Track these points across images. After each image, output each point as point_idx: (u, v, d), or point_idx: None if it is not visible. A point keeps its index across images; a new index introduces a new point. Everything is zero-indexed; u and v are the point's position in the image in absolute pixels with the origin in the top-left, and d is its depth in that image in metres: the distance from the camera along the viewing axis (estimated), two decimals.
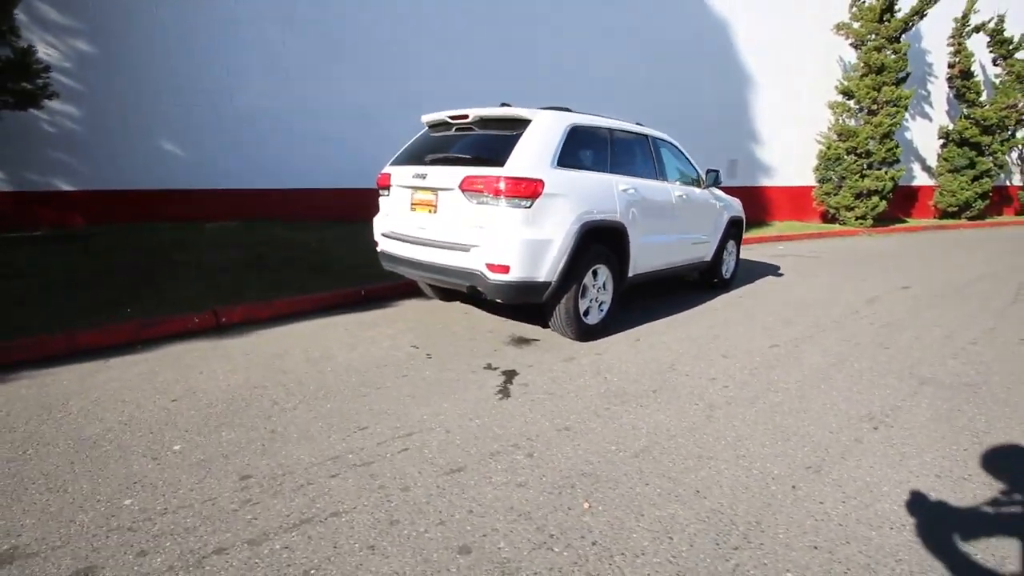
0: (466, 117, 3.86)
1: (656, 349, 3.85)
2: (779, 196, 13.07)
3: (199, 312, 4.04)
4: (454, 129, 4.03)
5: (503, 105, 3.91)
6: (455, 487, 2.09)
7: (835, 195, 12.47)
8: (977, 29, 13.43)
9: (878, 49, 11.61)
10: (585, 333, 3.92)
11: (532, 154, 3.47)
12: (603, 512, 1.96)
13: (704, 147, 11.65)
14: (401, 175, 4.03)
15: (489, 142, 3.73)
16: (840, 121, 12.31)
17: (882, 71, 11.62)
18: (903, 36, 11.69)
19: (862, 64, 11.87)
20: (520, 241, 3.37)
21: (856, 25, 11.88)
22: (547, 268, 3.49)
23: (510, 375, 3.26)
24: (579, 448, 2.42)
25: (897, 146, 11.97)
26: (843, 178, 12.29)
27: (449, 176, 3.62)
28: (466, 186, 3.48)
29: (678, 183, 5.00)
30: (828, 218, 13.06)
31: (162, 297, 4.35)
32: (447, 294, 4.97)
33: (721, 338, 4.18)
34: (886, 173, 11.92)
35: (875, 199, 12.08)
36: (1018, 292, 6.19)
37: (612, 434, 2.56)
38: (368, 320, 4.37)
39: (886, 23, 11.53)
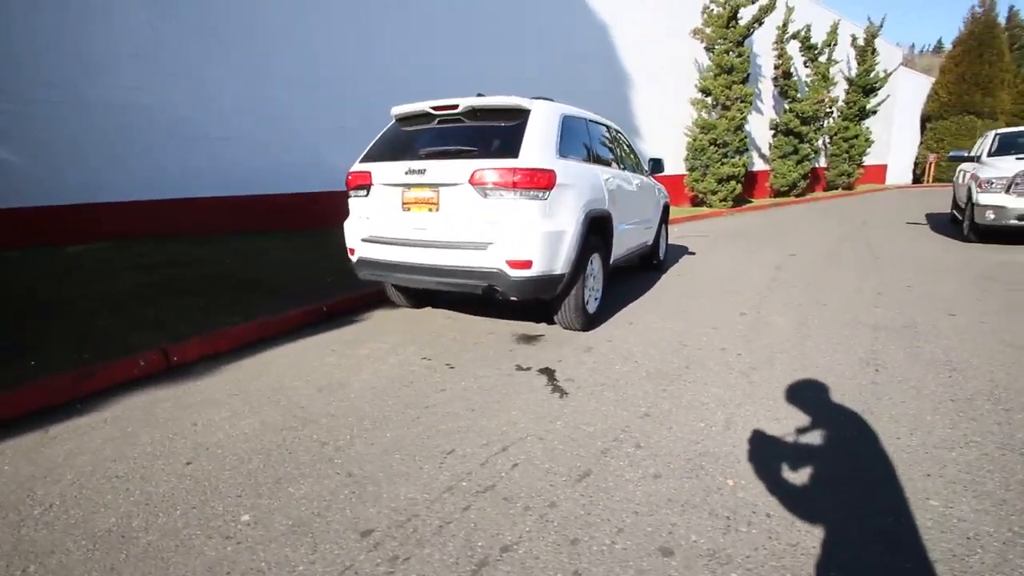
0: (454, 107, 3.62)
1: (653, 330, 4.02)
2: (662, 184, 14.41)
3: (137, 352, 3.26)
4: (436, 121, 3.76)
5: (479, 95, 3.75)
6: (598, 492, 1.98)
7: (702, 181, 14.12)
8: (794, 36, 16.14)
9: (727, 52, 13.37)
10: (589, 323, 3.95)
11: (541, 144, 3.38)
12: (749, 486, 2.01)
13: None
14: (386, 172, 3.65)
15: (488, 133, 3.55)
16: (701, 116, 13.95)
17: (731, 71, 13.41)
18: (745, 41, 13.58)
19: (715, 65, 13.56)
20: (541, 234, 3.27)
21: (708, 30, 13.54)
22: (563, 260, 3.44)
23: (548, 373, 3.17)
24: (674, 431, 2.45)
25: (745, 137, 13.94)
26: (707, 166, 13.96)
27: (454, 170, 3.37)
28: (477, 180, 3.27)
29: (635, 171, 5.26)
30: (697, 202, 14.74)
31: (69, 341, 3.42)
32: (419, 300, 4.65)
33: (695, 313, 4.51)
34: (739, 160, 13.81)
35: (733, 183, 13.93)
36: (872, 250, 7.62)
37: (689, 413, 2.62)
38: (351, 337, 3.91)
39: (732, 29, 13.31)
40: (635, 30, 12.85)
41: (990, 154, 8.42)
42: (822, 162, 20.33)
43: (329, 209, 7.91)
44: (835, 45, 17.39)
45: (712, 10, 13.58)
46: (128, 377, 3.12)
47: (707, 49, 13.94)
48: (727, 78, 13.47)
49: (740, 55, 13.41)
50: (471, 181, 3.29)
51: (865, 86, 19.72)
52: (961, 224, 8.68)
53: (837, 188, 20.73)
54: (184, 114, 7.41)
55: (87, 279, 5.00)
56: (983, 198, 7.48)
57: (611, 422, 2.53)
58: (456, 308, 4.64)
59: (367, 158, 3.87)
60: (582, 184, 3.68)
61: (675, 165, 14.56)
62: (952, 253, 7.25)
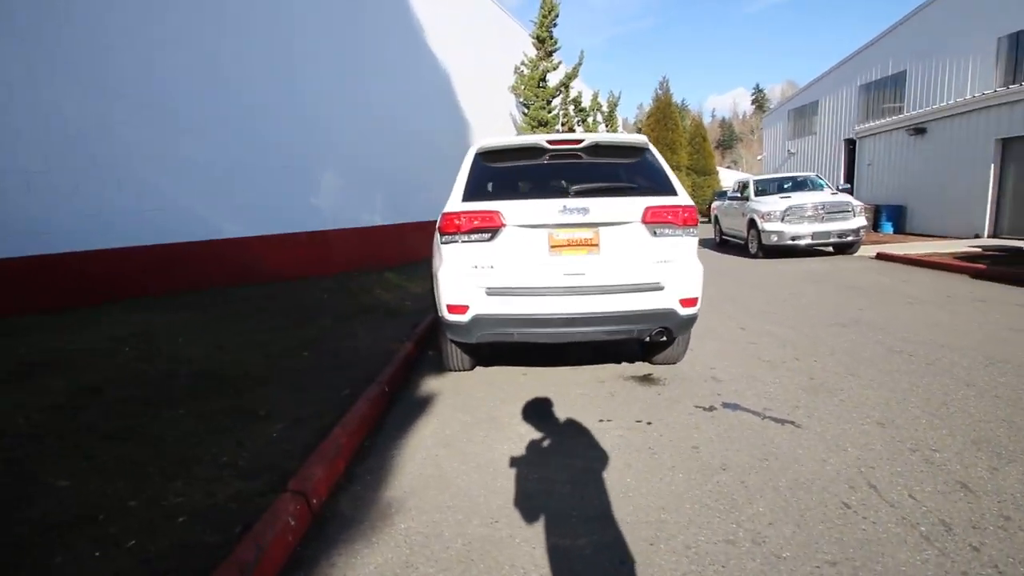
0: (577, 143, 3.37)
1: (696, 349, 4.35)
2: None
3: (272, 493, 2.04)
4: (547, 157, 3.41)
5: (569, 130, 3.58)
6: None
7: None
8: (574, 101, 19.27)
9: (540, 108, 15.20)
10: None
11: (678, 182, 3.41)
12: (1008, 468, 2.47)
13: (446, 181, 12.52)
14: (529, 212, 3.13)
15: (617, 170, 3.40)
16: None
17: (546, 125, 15.27)
18: (554, 100, 15.68)
19: (531, 119, 15.25)
20: (700, 271, 3.30)
21: (523, 88, 15.17)
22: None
23: (732, 406, 3.19)
24: (898, 432, 2.80)
25: None
26: None
27: (622, 208, 3.12)
28: (651, 218, 3.12)
29: None
30: None
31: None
32: (477, 358, 4.01)
33: (710, 330, 5.06)
34: None
35: None
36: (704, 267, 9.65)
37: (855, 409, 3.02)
38: (473, 421, 3.15)
39: (543, 89, 15.22)
40: (471, 85, 13.55)
41: (756, 194, 11.66)
42: None
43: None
44: (597, 110, 21.48)
45: (522, 71, 15.30)
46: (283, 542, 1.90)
47: (524, 104, 15.59)
48: (544, 130, 15.28)
49: (551, 111, 15.40)
50: (644, 219, 3.12)
51: None
52: (742, 245, 11.70)
53: None
54: None
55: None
56: (768, 226, 10.33)
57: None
58: (515, 363, 4.16)
59: (475, 196, 3.24)
60: None
61: None
62: (759, 266, 9.74)
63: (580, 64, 15.73)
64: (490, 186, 3.33)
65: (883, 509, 2.09)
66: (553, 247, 3.14)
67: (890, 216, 15.09)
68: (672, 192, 3.28)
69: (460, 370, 3.97)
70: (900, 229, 14.99)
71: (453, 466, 2.57)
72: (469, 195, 3.25)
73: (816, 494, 2.21)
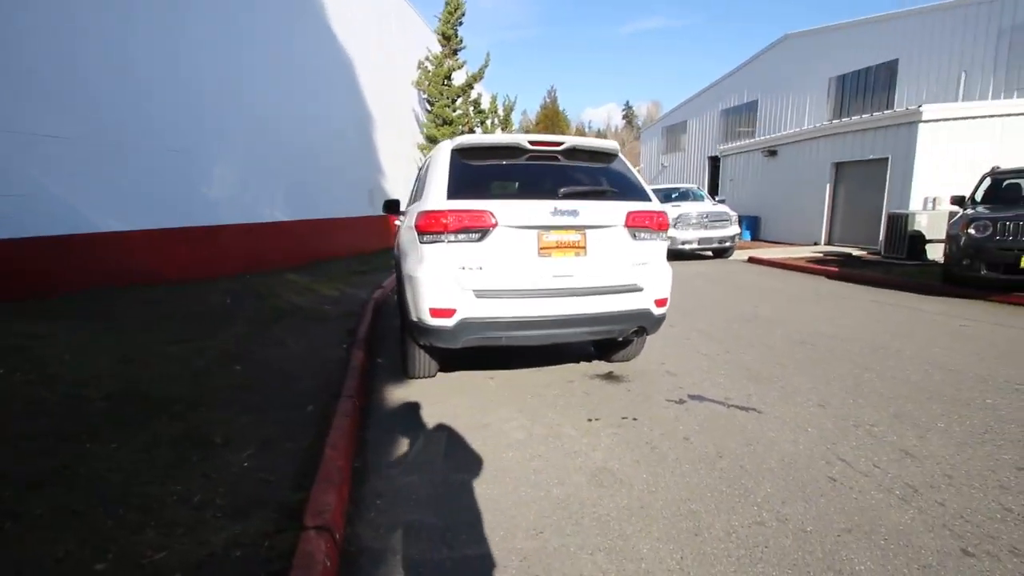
0: (556, 144, 3.38)
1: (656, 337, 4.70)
2: None
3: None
4: (526, 157, 3.38)
5: (523, 132, 3.60)
6: None
7: None
8: (474, 103, 19.29)
9: (446, 106, 15.00)
10: None
11: (649, 188, 3.58)
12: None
13: (349, 178, 11.85)
14: (520, 212, 3.05)
15: (591, 173, 3.48)
16: None
17: (450, 124, 15.11)
18: (459, 100, 15.54)
19: (436, 116, 14.99)
20: (670, 273, 3.52)
21: (427, 84, 14.85)
22: None
23: (698, 398, 3.46)
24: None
25: None
26: None
27: (607, 212, 3.19)
28: (632, 222, 3.24)
29: None
30: None
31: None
32: (445, 362, 3.85)
33: None
34: None
35: None
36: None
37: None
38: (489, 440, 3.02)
39: (448, 87, 15.03)
40: (373, 76, 12.91)
41: None
42: None
43: None
44: (494, 113, 21.77)
45: (427, 67, 14.98)
46: None
47: (428, 102, 15.26)
48: (448, 129, 15.10)
49: (455, 110, 15.27)
50: (627, 223, 3.23)
51: None
52: None
53: None
54: None
55: None
56: None
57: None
58: (476, 367, 4.07)
59: (459, 195, 3.09)
60: None
61: None
62: None
63: (486, 65, 15.83)
64: (472, 185, 3.21)
65: (860, 479, 2.42)
66: (543, 248, 3.13)
67: (748, 225, 17.39)
68: (647, 198, 3.45)
69: (424, 377, 3.78)
70: (756, 236, 17.37)
71: (466, 478, 2.44)
72: (453, 193, 3.11)
73: (805, 471, 2.49)
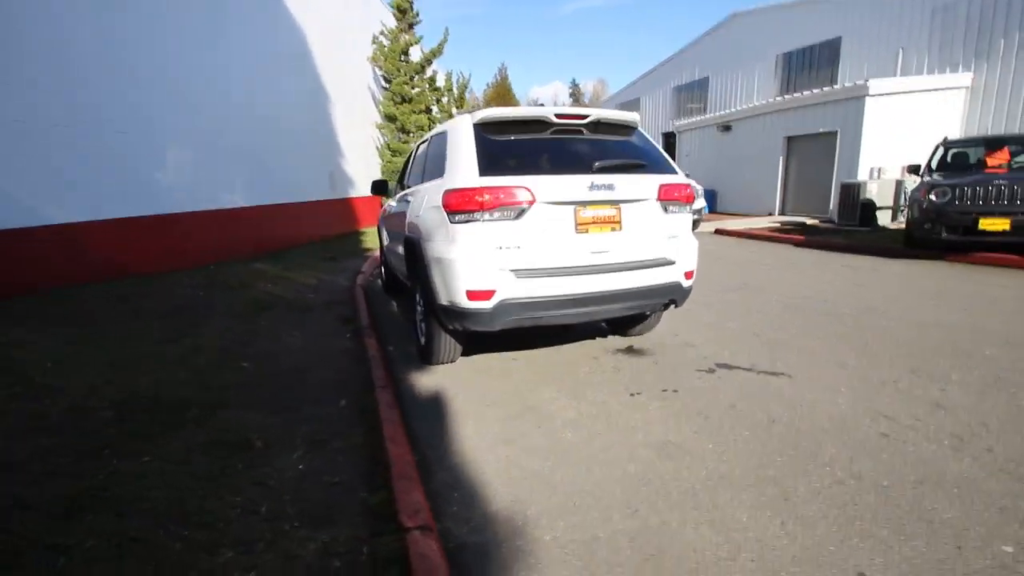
0: (582, 117, 3.27)
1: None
2: (361, 205, 14.13)
3: None
4: (550, 131, 3.25)
5: (540, 104, 3.50)
6: None
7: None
8: (429, 80, 18.65)
9: (404, 83, 14.40)
10: None
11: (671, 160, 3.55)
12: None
13: (309, 159, 11.23)
14: (558, 188, 2.94)
15: (627, 146, 3.41)
16: (393, 140, 14.57)
17: (409, 101, 14.55)
18: (416, 77, 14.93)
19: (395, 93, 14.39)
20: (697, 245, 3.52)
21: (384, 60, 14.18)
22: None
23: (726, 366, 3.53)
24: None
25: None
26: None
27: (641, 185, 3.12)
28: (665, 195, 3.20)
29: None
30: None
31: None
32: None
33: None
34: None
35: None
36: None
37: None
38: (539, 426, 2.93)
39: (405, 63, 14.41)
40: (328, 50, 12.17)
41: None
42: None
43: None
44: (449, 90, 21.16)
45: (381, 41, 14.29)
46: None
47: (385, 79, 14.61)
48: (407, 107, 14.55)
49: (416, 88, 14.71)
50: (660, 196, 3.18)
51: None
52: None
53: None
54: None
55: None
56: None
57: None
58: (493, 349, 3.97)
59: (492, 171, 2.93)
60: None
61: (368, 185, 14.61)
62: None
63: (445, 41, 15.24)
64: (500, 161, 3.06)
65: (908, 433, 2.53)
66: (580, 224, 3.04)
67: (706, 198, 17.94)
68: (673, 170, 3.42)
69: (446, 363, 3.64)
70: (713, 209, 17.93)
71: (536, 464, 2.37)
72: (485, 169, 2.94)
73: (856, 430, 2.58)
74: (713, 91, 21.69)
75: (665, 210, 3.29)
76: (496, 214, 2.91)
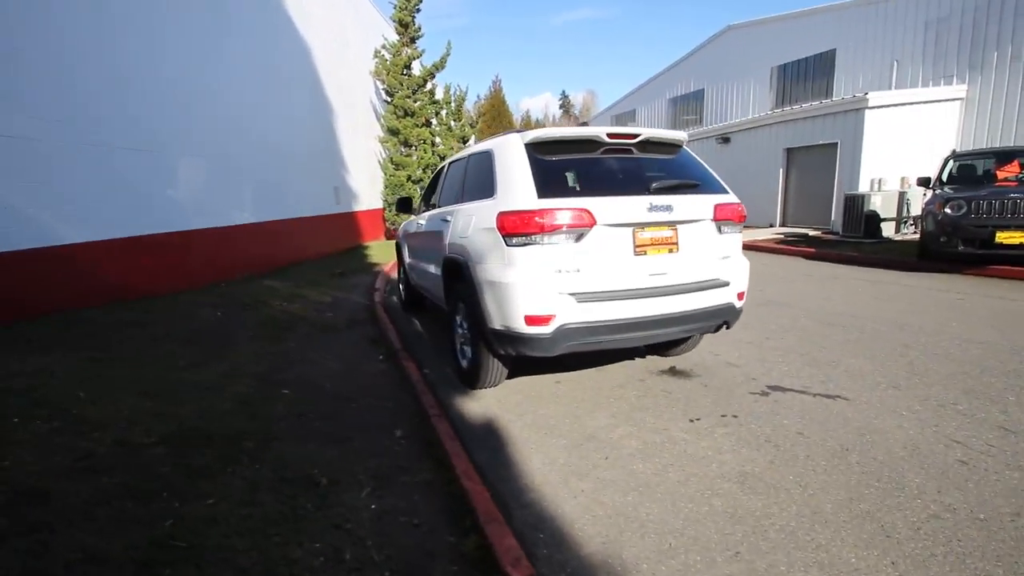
0: (633, 137, 3.23)
1: None
2: (364, 219, 14.03)
3: None
4: (601, 150, 3.20)
5: (583, 124, 3.49)
6: None
7: (404, 215, 14.71)
8: (429, 94, 18.67)
9: (407, 97, 14.38)
10: None
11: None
12: None
13: (315, 174, 11.13)
14: (618, 209, 2.88)
15: (676, 165, 3.37)
16: (396, 154, 14.53)
17: (413, 115, 14.52)
18: (419, 91, 14.92)
19: (398, 107, 14.35)
20: (748, 265, 3.48)
21: (387, 74, 14.16)
22: None
23: (779, 389, 3.47)
24: None
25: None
26: None
27: (698, 205, 3.08)
28: (720, 215, 3.16)
29: None
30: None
31: None
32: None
33: None
34: None
35: None
36: None
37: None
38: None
39: (408, 77, 14.40)
40: (332, 66, 12.15)
41: None
42: None
43: None
44: (448, 103, 21.19)
45: (384, 56, 14.28)
46: None
47: (387, 93, 14.59)
48: (410, 120, 14.52)
49: (417, 101, 14.69)
50: (715, 216, 3.14)
51: (462, 137, 24.81)
52: None
53: None
54: None
55: None
56: None
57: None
58: (531, 372, 3.89)
59: (550, 192, 2.87)
60: None
61: (372, 199, 14.54)
62: None
63: (448, 54, 15.27)
64: (555, 182, 3.00)
65: (985, 460, 2.48)
66: (638, 247, 2.98)
67: None
68: (724, 189, 3.39)
69: (490, 387, 3.55)
70: None
71: (617, 500, 2.28)
72: (543, 190, 2.88)
73: (933, 457, 2.52)
74: (709, 103, 21.93)
75: (719, 230, 3.25)
76: (556, 237, 2.84)
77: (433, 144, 15.15)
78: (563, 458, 2.65)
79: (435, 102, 19.30)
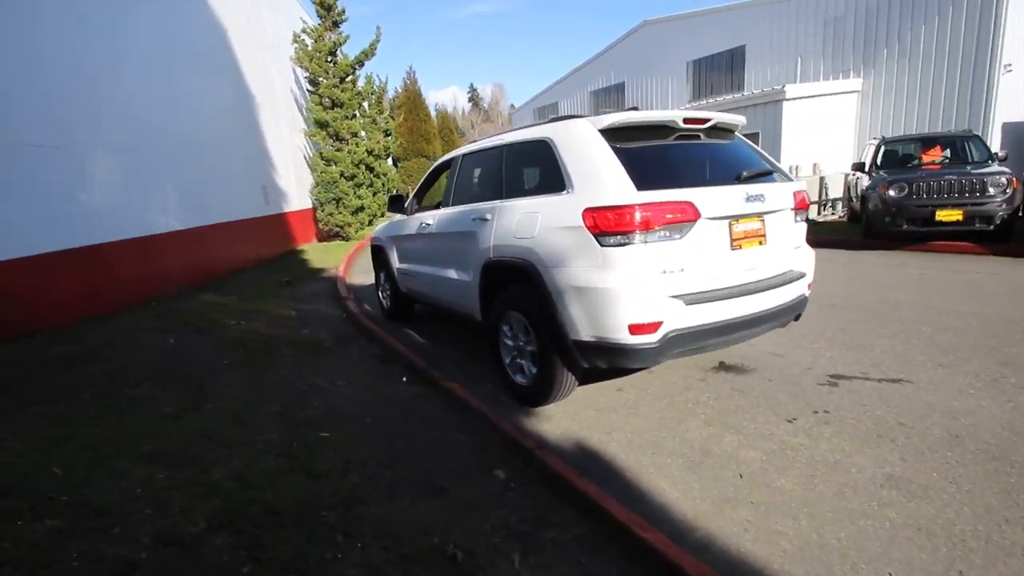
0: (704, 121, 2.99)
1: None
2: (295, 221, 12.77)
3: None
4: (674, 136, 2.94)
5: (632, 109, 3.27)
6: None
7: (338, 214, 13.61)
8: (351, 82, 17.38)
9: (334, 86, 13.24)
10: None
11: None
12: None
13: (239, 171, 9.91)
14: (718, 201, 2.62)
15: (740, 151, 3.18)
16: (326, 148, 13.35)
17: (342, 106, 13.42)
18: (347, 79, 13.77)
19: (324, 97, 13.18)
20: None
21: (310, 61, 12.91)
22: None
23: (841, 377, 3.47)
24: None
25: (371, 168, 14.39)
26: (339, 199, 13.56)
27: (782, 195, 2.93)
28: (798, 204, 3.03)
29: None
30: (332, 235, 14.05)
31: None
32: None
33: None
34: (369, 191, 14.19)
35: (364, 215, 14.18)
36: None
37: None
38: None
39: (333, 64, 13.25)
40: (250, 52, 10.81)
41: None
42: None
43: None
44: (371, 94, 19.92)
45: (304, 41, 13.01)
46: None
47: (311, 82, 13.36)
48: (340, 112, 13.42)
49: (345, 91, 13.59)
50: (796, 206, 3.00)
51: (386, 131, 23.58)
52: None
53: None
54: None
55: None
56: None
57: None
58: (591, 378, 3.60)
59: (648, 184, 2.55)
60: None
61: (302, 199, 13.29)
62: None
63: (378, 40, 14.20)
64: (649, 171, 2.69)
65: None
66: (735, 240, 2.77)
67: None
68: (789, 176, 3.27)
69: (556, 400, 3.20)
70: None
71: (787, 526, 2.06)
72: (640, 182, 2.56)
73: (1017, 435, 2.57)
74: (630, 95, 22.65)
75: (795, 220, 3.14)
76: (659, 234, 2.54)
77: (358, 136, 14.12)
78: (696, 483, 2.39)
79: (358, 93, 18.10)
